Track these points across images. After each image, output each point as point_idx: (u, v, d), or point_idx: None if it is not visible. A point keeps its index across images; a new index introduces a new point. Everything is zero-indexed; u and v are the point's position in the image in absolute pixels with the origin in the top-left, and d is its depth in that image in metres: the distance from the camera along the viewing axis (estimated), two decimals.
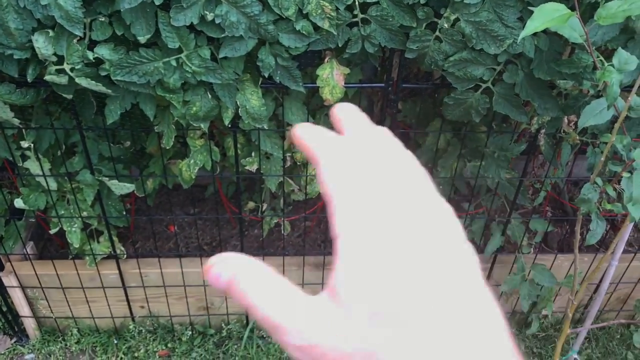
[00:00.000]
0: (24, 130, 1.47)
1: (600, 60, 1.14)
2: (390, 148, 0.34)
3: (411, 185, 0.32)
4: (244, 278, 0.30)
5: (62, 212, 1.65)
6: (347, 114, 0.38)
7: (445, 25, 1.23)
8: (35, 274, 1.82)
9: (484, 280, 0.29)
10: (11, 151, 1.49)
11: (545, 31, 1.19)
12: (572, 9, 1.03)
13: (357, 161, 0.32)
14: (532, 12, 1.16)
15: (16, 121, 1.38)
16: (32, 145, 1.48)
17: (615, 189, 1.12)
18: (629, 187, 0.98)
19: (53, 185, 1.58)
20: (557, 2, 1.02)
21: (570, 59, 1.18)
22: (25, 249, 1.82)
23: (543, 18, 1.00)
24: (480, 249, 1.98)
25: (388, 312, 0.27)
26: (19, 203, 1.57)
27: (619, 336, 2.15)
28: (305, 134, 0.36)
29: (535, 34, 1.22)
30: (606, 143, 1.06)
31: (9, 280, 1.83)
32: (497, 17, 1.19)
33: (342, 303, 0.28)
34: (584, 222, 2.22)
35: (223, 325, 2.06)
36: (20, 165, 1.53)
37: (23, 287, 1.87)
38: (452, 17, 1.21)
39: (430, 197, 0.31)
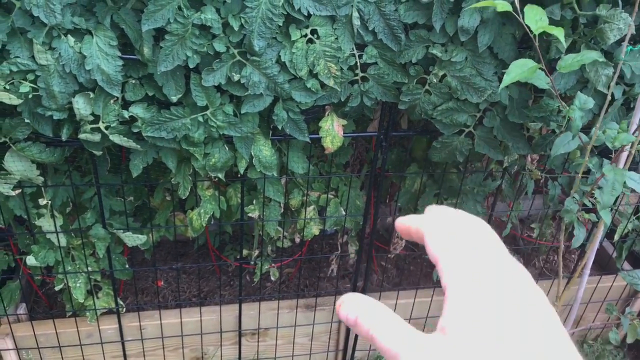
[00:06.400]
0: (42, 188, 1.54)
1: (563, 105, 1.39)
2: (472, 223, 0.42)
3: (491, 246, 0.40)
4: (368, 317, 0.39)
5: (69, 268, 1.70)
6: (435, 212, 0.46)
7: (434, 80, 1.45)
8: (34, 334, 1.82)
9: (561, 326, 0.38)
10: (27, 209, 1.55)
11: (515, 82, 1.43)
12: (539, 62, 1.27)
13: (452, 232, 0.41)
14: (504, 68, 1.41)
15: (40, 179, 1.46)
16: (49, 202, 1.55)
17: (590, 201, 1.35)
18: (602, 197, 1.20)
19: (63, 241, 1.64)
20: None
21: (539, 105, 1.42)
22: (27, 309, 1.83)
23: (516, 71, 1.22)
24: None
25: (486, 345, 0.34)
26: (31, 260, 1.61)
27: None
28: (408, 220, 0.45)
29: (508, 85, 1.46)
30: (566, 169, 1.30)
31: (5, 343, 1.82)
32: (477, 72, 1.42)
33: (451, 338, 0.35)
34: (539, 252, 2.48)
35: None
36: (34, 222, 1.58)
37: (18, 349, 1.87)
38: (440, 73, 1.44)
39: (507, 260, 0.39)
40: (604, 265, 2.44)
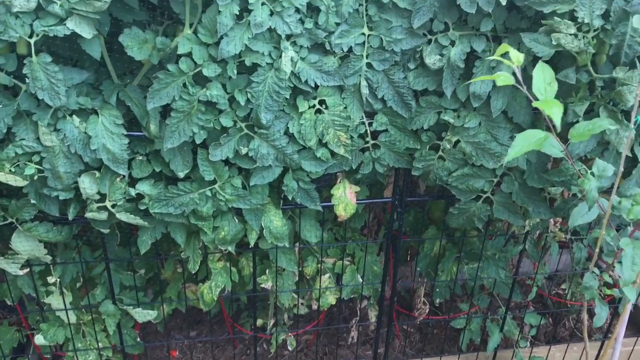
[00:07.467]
0: (51, 266, 1.51)
1: (584, 168, 1.33)
2: None
3: None
4: None
5: (79, 345, 1.65)
6: None
7: (447, 146, 1.41)
8: None
9: None
10: (36, 287, 1.52)
11: None
12: (549, 130, 1.19)
13: None
14: (520, 131, 1.36)
15: (48, 258, 1.43)
16: (57, 280, 1.52)
17: (610, 276, 1.27)
18: (622, 273, 1.12)
19: (73, 318, 1.60)
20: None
21: (559, 169, 1.36)
22: None
23: (522, 144, 1.13)
24: (477, 347, 2.07)
25: None
26: (39, 340, 1.57)
27: None
28: None
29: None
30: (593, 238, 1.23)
31: None
32: (492, 137, 1.37)
33: None
34: (569, 312, 2.36)
35: None
36: (43, 300, 1.55)
37: None
38: (453, 139, 1.40)
39: None
40: None
